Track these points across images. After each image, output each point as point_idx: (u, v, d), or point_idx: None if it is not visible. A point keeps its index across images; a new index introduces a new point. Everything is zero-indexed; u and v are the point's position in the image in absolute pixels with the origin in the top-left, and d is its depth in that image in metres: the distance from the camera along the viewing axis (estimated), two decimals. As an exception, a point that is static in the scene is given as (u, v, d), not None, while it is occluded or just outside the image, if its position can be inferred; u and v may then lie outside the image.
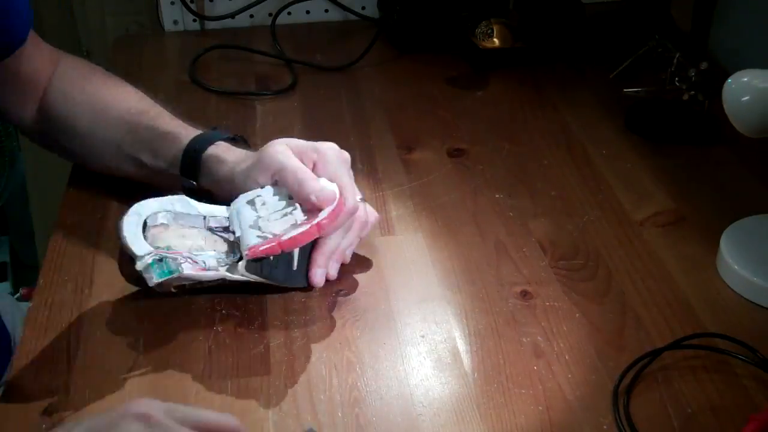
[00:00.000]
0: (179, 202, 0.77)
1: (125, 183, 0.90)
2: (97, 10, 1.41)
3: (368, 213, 0.82)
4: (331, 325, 0.75)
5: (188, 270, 0.71)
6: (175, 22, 1.36)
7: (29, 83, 0.90)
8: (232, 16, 1.35)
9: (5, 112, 0.92)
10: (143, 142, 0.85)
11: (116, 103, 0.88)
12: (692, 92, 1.02)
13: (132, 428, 0.53)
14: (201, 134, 0.84)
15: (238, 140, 0.87)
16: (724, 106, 0.77)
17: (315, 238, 0.74)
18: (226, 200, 0.79)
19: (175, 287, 0.73)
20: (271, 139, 0.79)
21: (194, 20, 1.36)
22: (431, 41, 1.27)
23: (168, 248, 0.73)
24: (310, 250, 0.78)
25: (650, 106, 1.06)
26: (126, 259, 0.73)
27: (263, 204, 0.76)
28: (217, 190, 0.82)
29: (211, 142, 0.83)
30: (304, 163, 0.77)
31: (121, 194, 0.90)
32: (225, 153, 0.82)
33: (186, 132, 0.84)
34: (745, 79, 0.76)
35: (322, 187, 0.75)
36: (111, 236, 0.86)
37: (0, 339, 0.97)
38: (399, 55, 1.27)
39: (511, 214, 0.90)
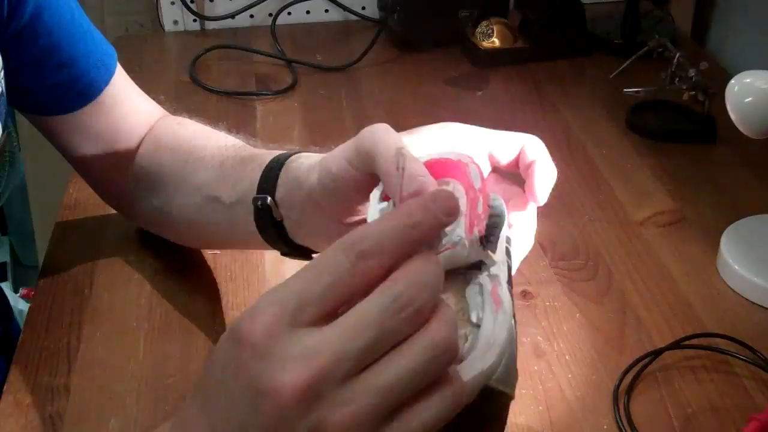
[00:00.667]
0: None
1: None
2: (97, 10, 1.41)
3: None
4: (331, 325, 0.75)
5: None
6: (175, 22, 1.36)
7: (116, 141, 0.78)
8: (232, 16, 1.35)
9: (100, 187, 0.84)
10: (226, 176, 0.69)
11: (210, 143, 0.74)
12: (692, 92, 1.02)
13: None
14: (287, 152, 0.66)
15: None
16: (728, 107, 0.77)
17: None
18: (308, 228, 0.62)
19: None
20: (271, 140, 0.78)
21: (194, 20, 1.36)
22: (431, 41, 1.27)
23: None
24: None
25: (650, 106, 1.06)
26: None
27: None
28: (292, 206, 0.62)
29: (295, 153, 0.65)
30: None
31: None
32: (310, 157, 0.63)
33: (271, 153, 0.67)
34: (748, 80, 0.76)
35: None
36: (111, 236, 0.86)
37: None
38: (399, 55, 1.27)
39: (511, 214, 0.90)
